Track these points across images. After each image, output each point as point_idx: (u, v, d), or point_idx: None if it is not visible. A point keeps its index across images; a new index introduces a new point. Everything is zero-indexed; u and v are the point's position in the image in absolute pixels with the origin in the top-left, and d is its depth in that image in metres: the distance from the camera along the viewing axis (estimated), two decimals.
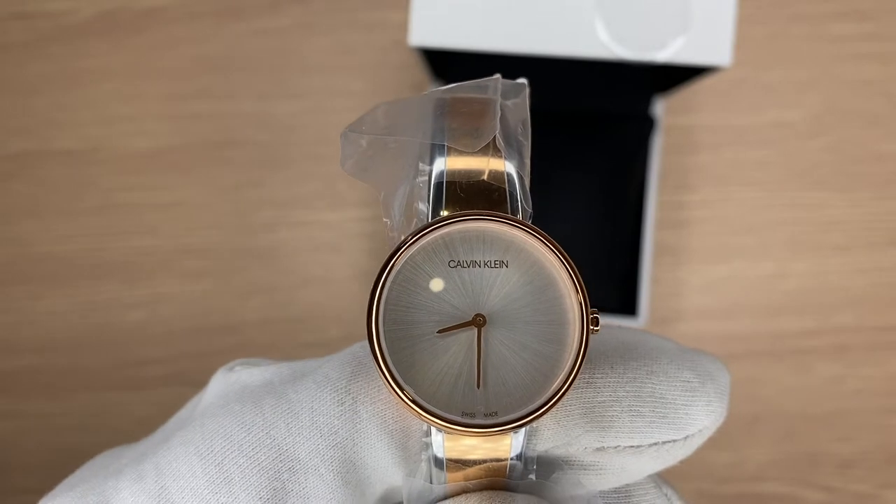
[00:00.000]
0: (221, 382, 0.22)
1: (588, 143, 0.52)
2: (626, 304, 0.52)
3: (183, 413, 0.22)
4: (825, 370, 0.56)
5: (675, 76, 0.46)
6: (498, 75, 0.20)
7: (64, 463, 0.62)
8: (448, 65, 0.49)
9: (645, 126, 0.51)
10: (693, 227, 0.56)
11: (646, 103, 0.52)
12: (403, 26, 0.53)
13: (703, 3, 0.39)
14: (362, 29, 0.56)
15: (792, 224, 0.56)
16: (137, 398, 0.56)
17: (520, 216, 0.19)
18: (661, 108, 0.52)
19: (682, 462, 0.20)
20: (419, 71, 0.55)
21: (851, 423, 0.56)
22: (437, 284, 0.19)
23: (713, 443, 0.21)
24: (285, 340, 0.56)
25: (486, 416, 0.18)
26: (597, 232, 0.52)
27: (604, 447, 0.19)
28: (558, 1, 0.39)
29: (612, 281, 0.52)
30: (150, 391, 0.56)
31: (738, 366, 0.56)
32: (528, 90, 0.21)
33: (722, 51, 0.40)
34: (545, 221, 0.19)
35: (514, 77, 0.21)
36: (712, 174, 0.56)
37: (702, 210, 0.56)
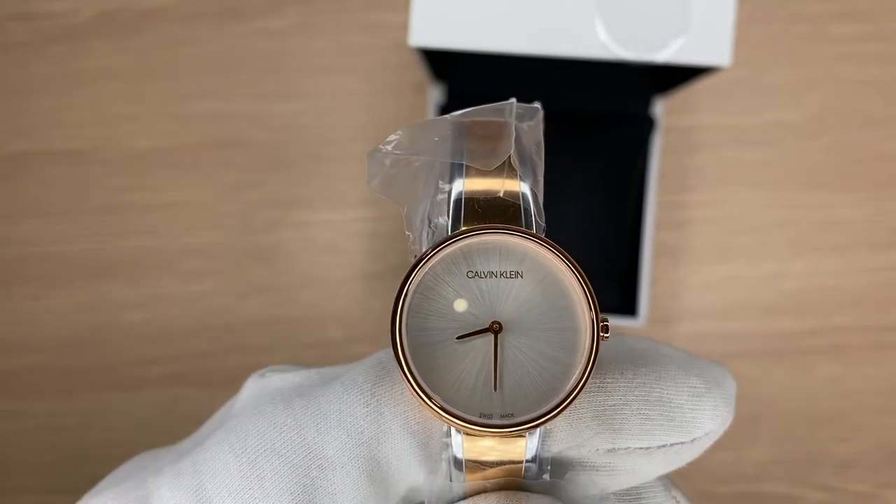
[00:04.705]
0: (254, 387, 0.23)
1: (588, 144, 0.52)
2: (625, 304, 0.52)
3: (217, 416, 0.24)
4: (825, 370, 0.56)
5: (675, 76, 0.46)
6: (513, 99, 0.22)
7: (64, 463, 0.62)
8: (448, 65, 0.49)
9: (645, 126, 0.51)
10: (693, 227, 0.56)
11: (646, 103, 0.52)
12: (403, 27, 0.54)
13: (702, 3, 0.39)
14: (362, 29, 0.56)
15: (792, 224, 0.56)
16: (137, 398, 0.56)
17: (534, 230, 0.20)
18: (660, 108, 0.52)
19: (689, 464, 0.21)
20: (419, 71, 0.55)
21: (851, 423, 0.56)
22: (461, 304, 0.20)
23: (713, 443, 0.22)
24: (285, 340, 0.56)
25: (502, 417, 0.19)
26: (596, 232, 0.52)
27: (615, 449, 0.20)
28: (558, 1, 0.40)
29: (611, 281, 0.52)
30: (150, 391, 0.56)
31: (738, 366, 0.56)
32: (542, 113, 0.22)
33: (722, 51, 0.40)
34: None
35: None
36: (712, 174, 0.56)
37: (702, 210, 0.56)
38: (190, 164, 0.56)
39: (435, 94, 0.52)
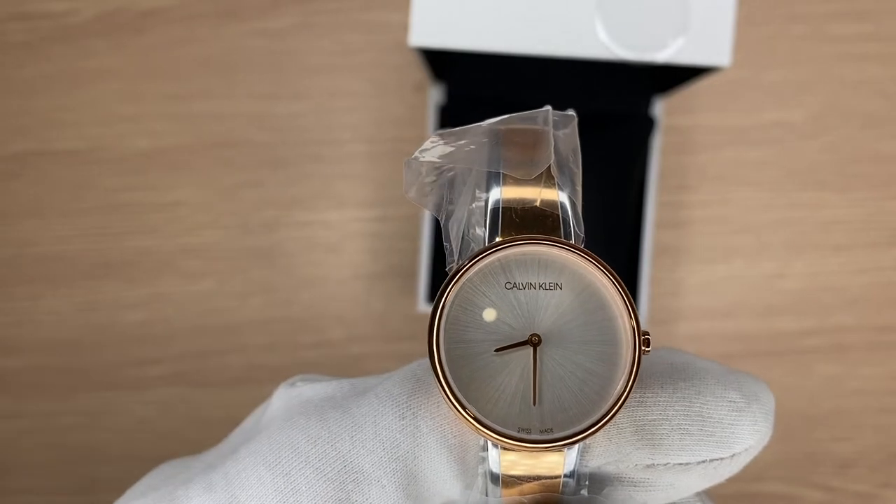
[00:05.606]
0: (284, 397, 0.22)
1: (588, 144, 0.51)
2: None
3: (247, 424, 0.23)
4: (824, 370, 0.56)
5: (675, 76, 0.46)
6: (548, 107, 0.22)
7: (64, 463, 0.62)
8: (448, 65, 0.49)
9: (645, 126, 0.51)
10: (692, 227, 0.56)
11: (646, 103, 0.52)
12: (404, 26, 0.54)
13: (702, 3, 0.39)
14: (362, 29, 0.56)
15: (792, 224, 0.56)
16: (137, 398, 0.56)
17: (573, 241, 0.20)
18: (660, 108, 0.52)
19: (728, 480, 0.21)
20: (419, 71, 0.55)
21: (851, 422, 0.56)
22: (490, 313, 0.20)
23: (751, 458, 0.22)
24: (285, 340, 0.56)
25: (541, 432, 0.19)
26: (596, 232, 0.52)
27: (654, 464, 0.20)
28: (558, 1, 0.40)
29: None
30: (150, 391, 0.56)
31: (738, 366, 0.56)
32: (576, 120, 0.22)
33: (722, 51, 0.40)
34: None
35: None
36: (712, 174, 0.56)
37: (701, 210, 0.56)
38: (190, 164, 0.56)
39: (435, 94, 0.52)
